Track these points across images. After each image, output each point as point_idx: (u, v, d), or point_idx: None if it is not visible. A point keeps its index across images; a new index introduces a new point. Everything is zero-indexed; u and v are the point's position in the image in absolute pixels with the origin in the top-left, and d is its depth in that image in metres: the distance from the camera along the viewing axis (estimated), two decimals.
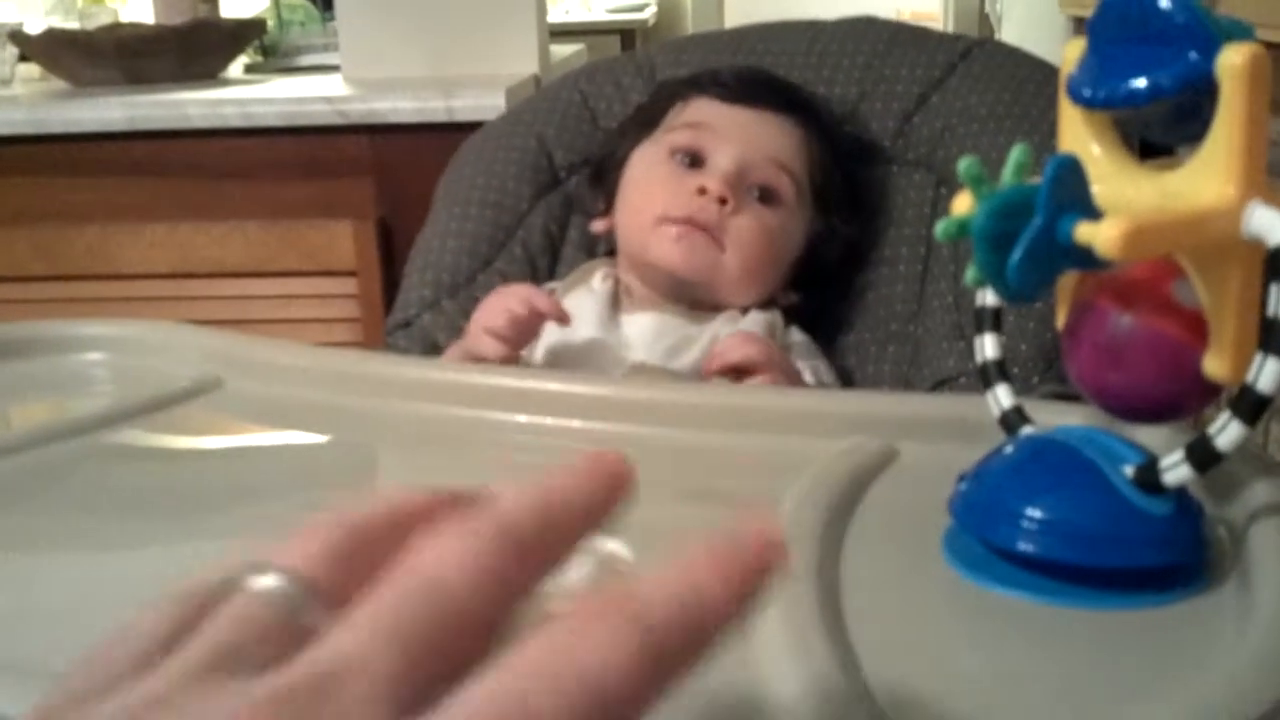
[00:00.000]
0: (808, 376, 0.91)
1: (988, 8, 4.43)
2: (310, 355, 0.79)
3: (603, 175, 1.03)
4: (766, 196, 0.94)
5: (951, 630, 0.50)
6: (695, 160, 0.95)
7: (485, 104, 1.50)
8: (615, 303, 0.96)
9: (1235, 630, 0.45)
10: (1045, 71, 1.00)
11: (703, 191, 0.92)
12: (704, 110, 0.98)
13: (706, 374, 0.86)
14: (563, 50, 2.02)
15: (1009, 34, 3.96)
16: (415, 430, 0.72)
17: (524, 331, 0.89)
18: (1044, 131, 0.93)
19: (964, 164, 0.47)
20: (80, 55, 1.79)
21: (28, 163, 1.66)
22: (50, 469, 0.67)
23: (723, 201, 0.92)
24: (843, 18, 1.11)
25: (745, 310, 0.95)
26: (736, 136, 0.95)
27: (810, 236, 0.98)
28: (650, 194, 0.95)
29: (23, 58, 1.96)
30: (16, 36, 1.86)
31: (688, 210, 0.92)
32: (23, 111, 1.64)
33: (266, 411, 0.76)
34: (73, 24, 2.19)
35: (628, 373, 0.89)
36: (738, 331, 0.90)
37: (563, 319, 0.89)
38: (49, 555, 0.59)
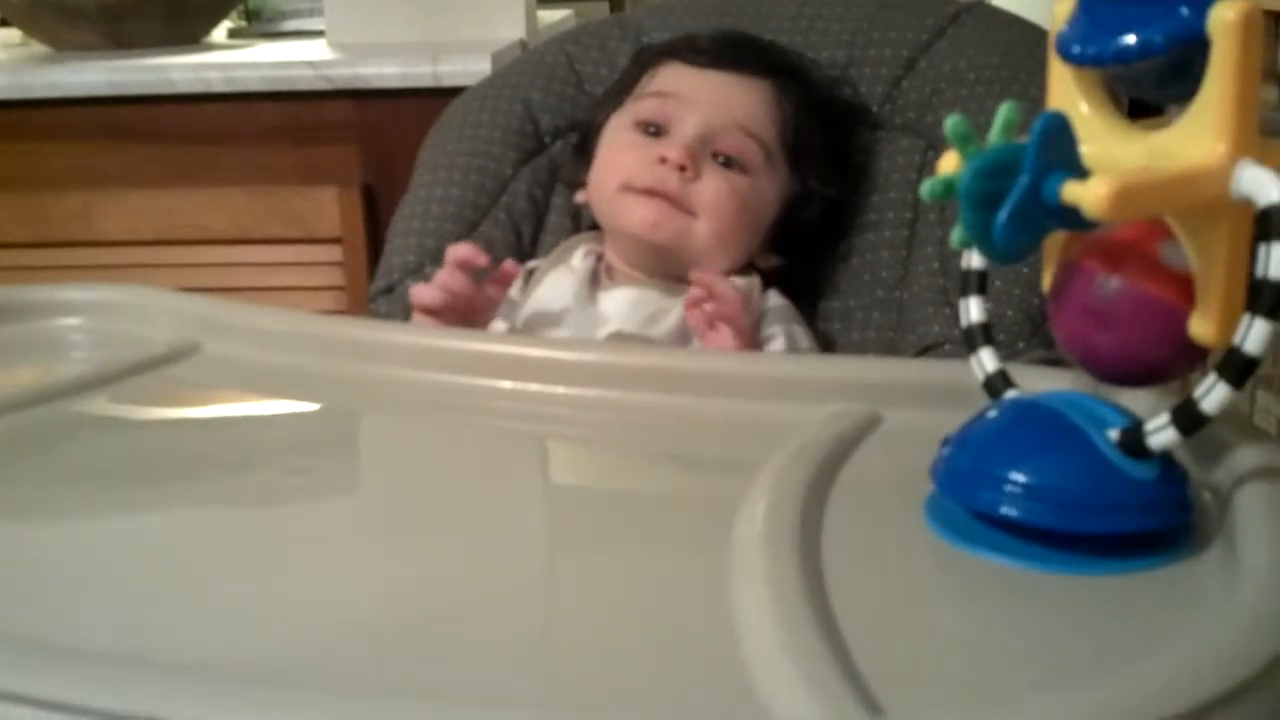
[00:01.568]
0: (780, 341, 0.90)
1: None
2: (289, 320, 0.78)
3: (583, 145, 1.02)
4: (730, 163, 0.93)
5: (933, 595, 0.50)
6: (659, 130, 0.94)
7: (471, 69, 1.48)
8: (594, 280, 0.95)
9: (1222, 594, 0.45)
10: (1035, 35, 0.99)
11: (663, 160, 0.92)
12: (672, 78, 0.97)
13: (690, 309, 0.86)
14: (550, 15, 2.00)
15: (995, 3, 3.93)
16: (398, 396, 0.72)
17: (455, 297, 0.87)
18: (1034, 95, 0.91)
19: (951, 122, 0.46)
20: (62, 19, 1.76)
21: (8, 127, 1.63)
22: (25, 436, 0.66)
23: (682, 169, 0.91)
24: None
25: (724, 276, 0.94)
26: (702, 103, 0.94)
27: (787, 199, 0.97)
28: (614, 164, 0.95)
29: (3, 22, 1.94)
30: None
31: (649, 180, 0.92)
32: (3, 75, 1.62)
33: (244, 377, 0.75)
34: None
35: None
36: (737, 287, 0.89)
37: (477, 256, 0.88)
38: (22, 524, 0.58)
